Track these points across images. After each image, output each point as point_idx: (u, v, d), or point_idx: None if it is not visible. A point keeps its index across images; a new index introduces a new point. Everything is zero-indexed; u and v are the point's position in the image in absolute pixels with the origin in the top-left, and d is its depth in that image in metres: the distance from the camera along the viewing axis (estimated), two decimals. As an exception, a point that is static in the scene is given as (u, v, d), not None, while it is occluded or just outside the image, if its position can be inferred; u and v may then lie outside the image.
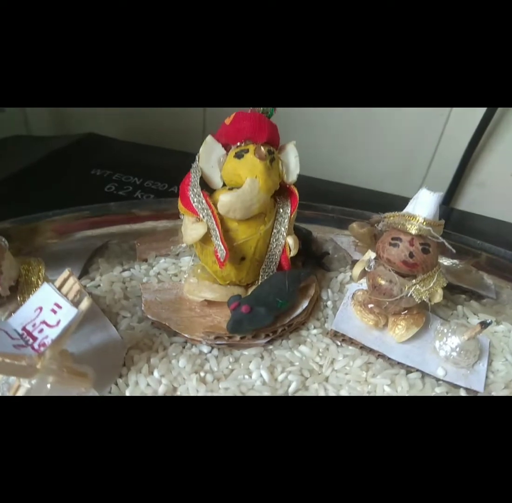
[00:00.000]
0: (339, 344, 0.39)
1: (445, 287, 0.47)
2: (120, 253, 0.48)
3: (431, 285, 0.37)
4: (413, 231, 0.35)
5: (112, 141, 0.75)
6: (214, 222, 0.36)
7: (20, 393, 0.29)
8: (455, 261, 0.49)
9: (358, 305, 0.40)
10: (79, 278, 0.43)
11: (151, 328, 0.39)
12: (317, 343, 0.39)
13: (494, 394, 0.36)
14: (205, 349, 0.37)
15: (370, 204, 0.50)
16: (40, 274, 0.33)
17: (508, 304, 0.45)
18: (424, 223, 0.35)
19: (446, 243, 0.35)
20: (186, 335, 0.37)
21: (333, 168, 0.81)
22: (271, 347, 0.38)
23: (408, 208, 0.37)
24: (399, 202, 0.38)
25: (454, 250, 0.35)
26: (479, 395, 0.36)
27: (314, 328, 0.40)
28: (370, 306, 0.40)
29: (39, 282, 0.33)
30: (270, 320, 0.35)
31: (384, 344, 0.39)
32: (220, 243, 0.35)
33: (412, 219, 0.36)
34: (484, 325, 0.35)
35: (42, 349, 0.28)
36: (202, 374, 0.35)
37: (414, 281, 0.37)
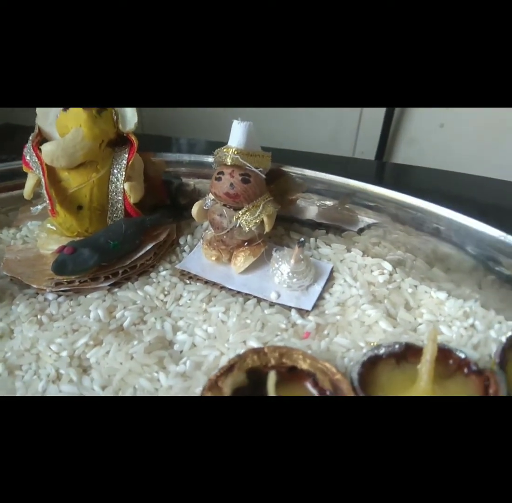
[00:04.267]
0: (187, 282, 0.41)
1: (310, 224, 0.48)
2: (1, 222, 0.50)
3: (257, 213, 0.38)
4: (229, 162, 0.37)
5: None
6: (41, 171, 0.38)
7: None
8: (328, 202, 0.51)
9: (206, 243, 0.42)
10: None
11: (7, 283, 0.40)
12: (164, 283, 0.40)
13: (327, 312, 0.38)
14: (50, 296, 0.39)
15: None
16: None
17: (367, 235, 0.46)
18: (236, 152, 0.36)
19: (257, 171, 0.36)
20: (34, 286, 0.39)
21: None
22: (116, 289, 0.40)
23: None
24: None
25: (263, 176, 0.37)
26: (306, 312, 0.37)
27: (164, 269, 0.42)
28: (215, 243, 0.41)
29: None
30: (95, 260, 0.36)
31: (226, 277, 0.40)
32: (45, 191, 0.37)
33: (226, 150, 0.37)
34: (299, 244, 0.37)
35: None
36: (39, 316, 0.37)
37: (240, 211, 0.38)
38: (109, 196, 0.40)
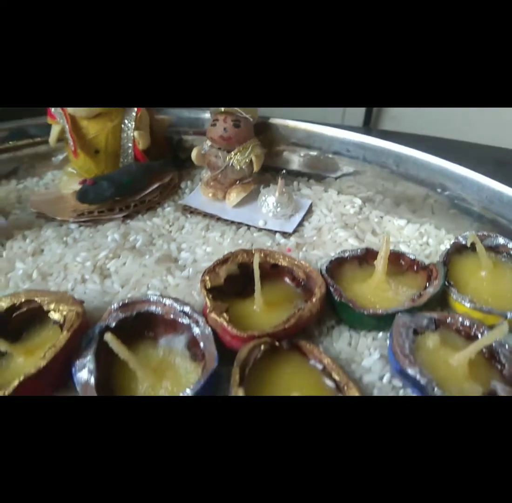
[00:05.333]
0: (188, 216, 0.48)
1: (294, 173, 0.55)
2: (25, 174, 0.56)
3: (247, 154, 0.45)
4: (222, 110, 0.44)
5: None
6: (65, 120, 0.44)
7: None
8: (311, 152, 0.57)
9: (204, 183, 0.49)
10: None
11: (34, 219, 0.48)
12: (169, 216, 0.48)
13: (305, 236, 0.45)
14: (73, 226, 0.46)
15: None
16: None
17: (344, 179, 0.53)
18: (228, 101, 0.43)
19: (247, 116, 0.44)
20: (58, 218, 0.46)
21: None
22: (128, 221, 0.47)
23: (222, 94, 0.45)
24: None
25: (252, 119, 0.44)
26: (288, 234, 0.44)
27: (169, 206, 0.49)
28: (211, 183, 0.48)
29: None
30: (111, 191, 0.43)
31: (221, 210, 0.47)
32: (69, 136, 0.44)
33: (220, 99, 0.44)
34: (282, 176, 0.44)
35: None
36: (65, 238, 0.44)
37: (232, 152, 0.45)
38: (121, 142, 0.47)
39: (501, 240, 0.39)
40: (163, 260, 0.42)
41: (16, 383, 0.27)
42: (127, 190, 0.46)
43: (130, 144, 0.48)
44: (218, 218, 0.47)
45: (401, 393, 0.31)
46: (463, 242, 0.39)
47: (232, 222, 0.46)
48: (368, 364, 0.32)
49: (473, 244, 0.38)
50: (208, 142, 0.48)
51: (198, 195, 0.50)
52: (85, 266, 0.41)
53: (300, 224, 0.46)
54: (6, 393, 0.27)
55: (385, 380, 0.31)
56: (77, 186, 0.47)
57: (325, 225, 0.46)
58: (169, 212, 0.48)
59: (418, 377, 0.27)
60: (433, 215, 0.45)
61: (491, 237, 0.39)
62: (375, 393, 0.30)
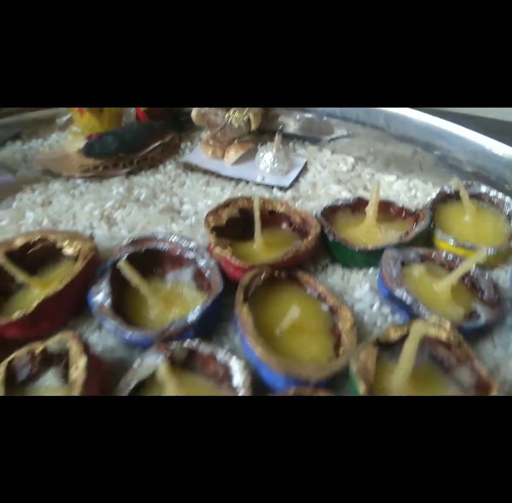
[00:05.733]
0: (189, 173, 0.50)
1: (290, 136, 0.57)
2: (29, 138, 0.58)
3: (245, 112, 0.47)
4: (222, 68, 0.46)
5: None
6: (70, 78, 0.46)
7: None
8: (306, 114, 0.60)
9: (203, 142, 0.51)
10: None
11: (41, 175, 0.49)
12: (170, 173, 0.50)
13: (301, 190, 0.47)
14: (79, 181, 0.48)
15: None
16: None
17: (338, 141, 0.56)
18: (228, 59, 0.45)
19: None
20: (64, 173, 0.48)
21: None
22: (132, 176, 0.49)
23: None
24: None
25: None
26: (285, 188, 0.47)
27: (170, 164, 0.51)
28: (211, 142, 0.51)
29: None
30: (116, 146, 0.46)
31: (221, 167, 0.50)
32: (75, 92, 0.46)
33: (220, 58, 0.46)
34: (279, 132, 0.46)
35: None
36: (72, 191, 0.46)
37: (231, 110, 0.47)
38: (124, 102, 0.49)
39: (483, 188, 0.41)
40: (166, 210, 0.44)
41: (35, 303, 0.29)
42: (130, 147, 0.48)
43: (132, 104, 0.50)
44: (218, 175, 0.49)
45: (389, 319, 0.34)
46: (448, 191, 0.42)
47: (231, 178, 0.49)
48: (359, 295, 0.35)
49: (457, 193, 0.41)
50: (208, 102, 0.50)
51: (198, 154, 0.52)
52: (93, 215, 0.43)
53: (296, 180, 0.49)
54: (27, 312, 0.29)
55: (374, 308, 0.34)
56: (82, 145, 0.49)
57: (319, 180, 0.48)
58: (171, 169, 0.50)
59: (404, 296, 0.30)
60: (421, 171, 0.48)
61: (474, 186, 0.41)
62: (366, 319, 0.33)
